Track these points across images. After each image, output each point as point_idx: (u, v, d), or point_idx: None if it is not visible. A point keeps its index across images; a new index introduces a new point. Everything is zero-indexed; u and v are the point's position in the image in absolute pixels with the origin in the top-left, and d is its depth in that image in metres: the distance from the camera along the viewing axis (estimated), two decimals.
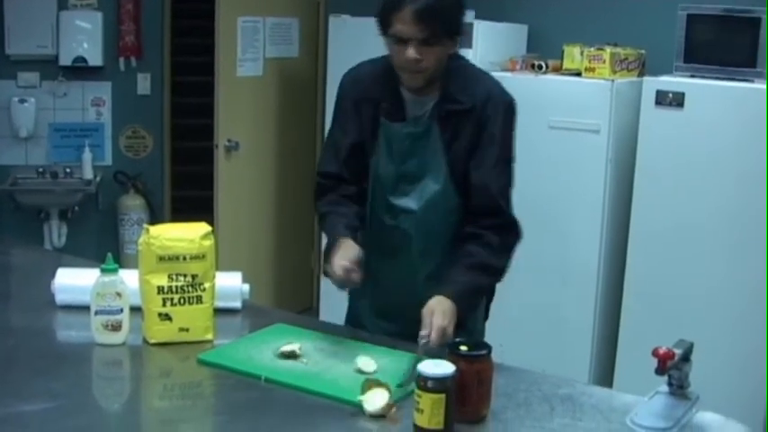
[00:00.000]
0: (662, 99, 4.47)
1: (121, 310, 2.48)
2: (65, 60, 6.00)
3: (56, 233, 6.08)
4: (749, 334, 4.35)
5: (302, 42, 6.22)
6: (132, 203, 6.23)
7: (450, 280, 2.55)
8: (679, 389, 2.15)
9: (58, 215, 6.10)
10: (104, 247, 2.69)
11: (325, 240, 2.75)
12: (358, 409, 2.12)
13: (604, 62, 4.67)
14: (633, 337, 4.62)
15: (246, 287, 2.81)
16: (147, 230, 2.51)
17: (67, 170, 6.07)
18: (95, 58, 6.05)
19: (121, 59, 6.19)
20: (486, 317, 2.90)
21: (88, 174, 6.07)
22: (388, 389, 2.13)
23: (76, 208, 6.14)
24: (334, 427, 2.09)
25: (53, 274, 2.77)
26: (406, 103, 2.67)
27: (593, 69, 4.70)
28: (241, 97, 5.73)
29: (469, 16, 4.60)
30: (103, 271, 2.48)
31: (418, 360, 2.14)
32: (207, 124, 5.76)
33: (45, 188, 6.00)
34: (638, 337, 4.46)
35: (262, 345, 2.49)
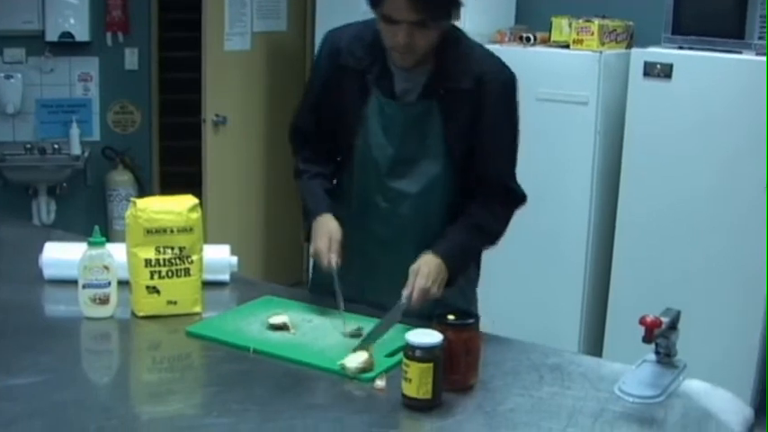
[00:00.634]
0: (650, 70, 4.47)
1: (109, 284, 2.48)
2: (51, 36, 5.95)
3: (44, 209, 6.06)
4: (736, 302, 4.38)
5: (290, 16, 6.19)
6: (120, 179, 6.21)
7: (445, 237, 2.52)
8: (666, 357, 2.15)
9: (47, 191, 6.08)
10: (93, 222, 2.67)
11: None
12: (340, 373, 2.15)
13: (592, 34, 4.66)
14: (622, 306, 4.64)
15: (235, 260, 2.80)
16: (134, 203, 2.50)
17: (55, 146, 6.03)
18: (82, 34, 6.01)
19: (108, 34, 6.15)
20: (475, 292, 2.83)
21: (76, 150, 6.04)
22: (367, 349, 2.20)
23: (65, 184, 6.12)
24: (322, 398, 2.10)
25: (41, 249, 2.76)
26: (394, 76, 2.55)
27: (581, 41, 4.69)
28: (229, 72, 5.71)
29: None
30: (91, 244, 2.47)
31: (388, 323, 2.21)
32: (195, 99, 5.73)
33: (33, 164, 5.98)
34: (627, 307, 4.47)
35: (250, 317, 2.50)
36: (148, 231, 2.47)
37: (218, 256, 2.77)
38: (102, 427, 1.92)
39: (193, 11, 5.73)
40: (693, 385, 2.16)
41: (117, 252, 2.53)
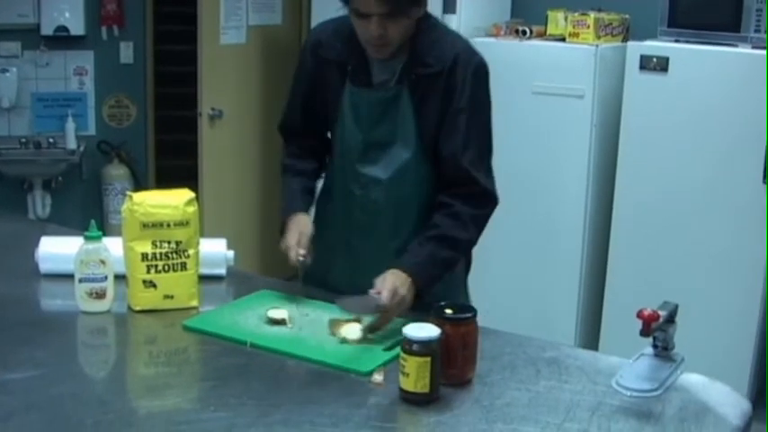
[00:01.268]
0: (646, 64, 4.46)
1: (106, 278, 2.47)
2: (46, 30, 5.95)
3: (40, 204, 6.05)
4: (734, 295, 4.38)
5: (285, 10, 6.18)
6: (116, 173, 6.20)
7: (409, 251, 2.49)
8: (664, 350, 2.15)
9: (42, 185, 6.07)
10: (89, 216, 2.68)
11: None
12: (338, 367, 2.16)
13: (588, 27, 4.66)
14: (619, 300, 4.65)
15: (231, 254, 2.80)
16: (131, 197, 2.49)
17: (51, 140, 6.02)
18: (77, 27, 6.00)
19: (104, 28, 6.15)
20: (465, 283, 2.82)
21: (71, 143, 6.03)
22: (357, 320, 2.32)
23: (60, 178, 6.12)
24: (320, 392, 2.09)
25: (37, 244, 2.75)
26: (372, 67, 2.56)
27: (577, 34, 4.69)
28: (224, 65, 5.70)
29: None
30: (87, 238, 2.47)
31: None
32: (190, 93, 5.72)
33: (28, 158, 5.97)
34: (624, 300, 4.48)
35: (247, 311, 2.49)
36: (145, 225, 2.47)
37: (215, 250, 2.77)
38: (98, 421, 1.91)
39: (188, 4, 5.71)
40: (691, 379, 2.16)
41: (113, 246, 2.53)
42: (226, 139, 5.79)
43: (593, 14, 4.69)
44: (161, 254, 2.49)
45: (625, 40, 4.83)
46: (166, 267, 2.50)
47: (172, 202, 2.50)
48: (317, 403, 2.02)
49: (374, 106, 2.57)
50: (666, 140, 4.47)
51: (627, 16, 4.92)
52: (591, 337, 4.83)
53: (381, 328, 2.33)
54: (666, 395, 2.05)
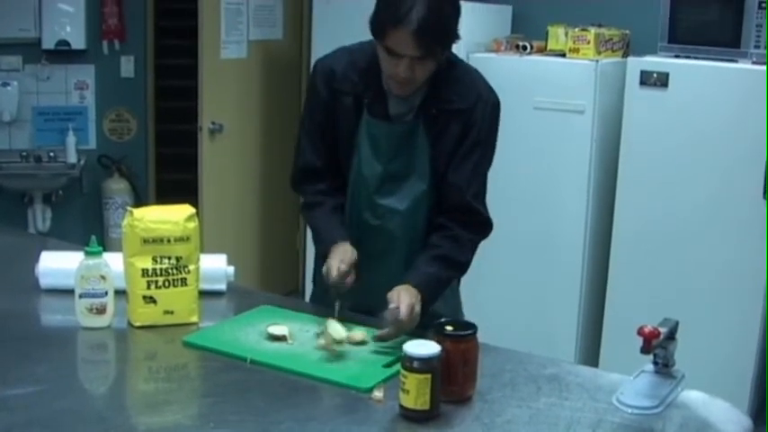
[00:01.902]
0: (646, 79, 4.47)
1: (106, 293, 2.47)
2: (48, 44, 5.95)
3: (40, 217, 6.05)
4: (734, 312, 4.37)
5: (286, 24, 6.19)
6: (117, 187, 6.20)
7: (417, 270, 2.52)
8: (664, 367, 2.15)
9: (42, 199, 6.06)
10: (89, 230, 2.68)
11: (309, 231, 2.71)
12: (338, 384, 2.14)
13: (589, 43, 4.66)
14: (619, 316, 4.64)
15: (231, 269, 2.80)
16: (131, 213, 2.49)
17: (51, 154, 6.03)
18: (78, 42, 6.01)
19: (105, 42, 6.16)
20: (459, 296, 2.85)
21: (72, 157, 6.04)
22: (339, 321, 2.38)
23: (60, 192, 6.12)
24: (320, 408, 2.09)
25: (37, 258, 2.75)
26: (389, 99, 2.57)
27: (577, 50, 4.69)
28: (225, 80, 5.71)
29: None
30: (87, 254, 2.47)
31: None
32: (191, 107, 5.73)
33: (29, 172, 5.98)
34: (624, 317, 4.47)
35: (247, 327, 2.49)
36: (145, 241, 2.47)
37: (215, 266, 2.76)
38: None
39: (189, 19, 5.72)
40: (692, 395, 2.16)
41: (114, 261, 2.52)
42: (226, 153, 5.79)
43: (593, 30, 4.69)
44: (161, 269, 2.49)
45: (625, 55, 4.84)
46: (167, 283, 2.50)
47: (172, 217, 2.50)
48: (318, 420, 2.02)
49: (393, 139, 2.59)
50: (667, 156, 4.47)
51: (627, 32, 4.93)
52: (591, 353, 4.83)
53: (388, 340, 2.35)
54: (667, 412, 2.05)
